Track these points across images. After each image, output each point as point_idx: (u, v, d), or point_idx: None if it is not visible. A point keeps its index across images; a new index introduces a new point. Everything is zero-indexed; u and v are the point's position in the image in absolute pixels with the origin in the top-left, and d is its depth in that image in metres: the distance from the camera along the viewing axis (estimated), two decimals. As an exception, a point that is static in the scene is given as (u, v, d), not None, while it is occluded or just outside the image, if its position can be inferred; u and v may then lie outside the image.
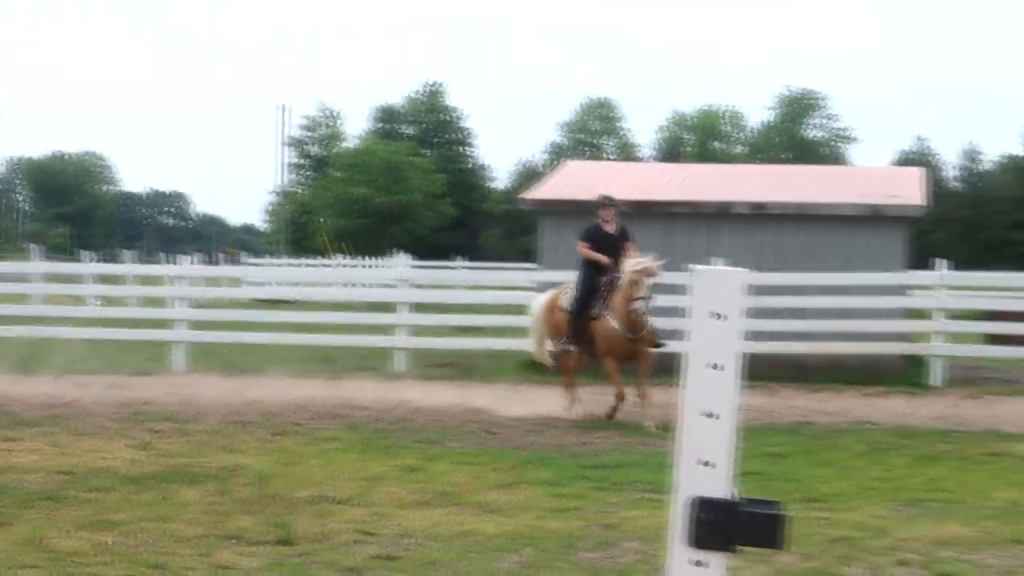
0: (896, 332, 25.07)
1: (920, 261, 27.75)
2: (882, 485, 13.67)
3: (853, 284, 24.37)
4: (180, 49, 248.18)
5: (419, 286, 30.27)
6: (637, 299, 17.92)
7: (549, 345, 20.91)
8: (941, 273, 25.02)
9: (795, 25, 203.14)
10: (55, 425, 17.08)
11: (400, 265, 29.56)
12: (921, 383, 23.84)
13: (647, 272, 17.97)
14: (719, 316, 3.03)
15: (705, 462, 3.05)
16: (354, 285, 47.76)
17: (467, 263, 64.40)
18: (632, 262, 18.29)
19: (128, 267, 47.34)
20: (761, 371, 23.79)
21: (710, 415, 3.04)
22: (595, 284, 19.18)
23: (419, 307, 27.66)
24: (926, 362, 24.57)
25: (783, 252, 25.40)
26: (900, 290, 25.28)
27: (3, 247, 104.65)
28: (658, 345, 19.14)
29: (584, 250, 19.39)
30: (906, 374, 24.66)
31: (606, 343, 18.82)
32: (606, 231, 19.58)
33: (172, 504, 12.09)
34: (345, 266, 65.55)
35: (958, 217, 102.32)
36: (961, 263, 37.65)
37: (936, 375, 23.97)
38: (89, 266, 49.67)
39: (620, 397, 18.64)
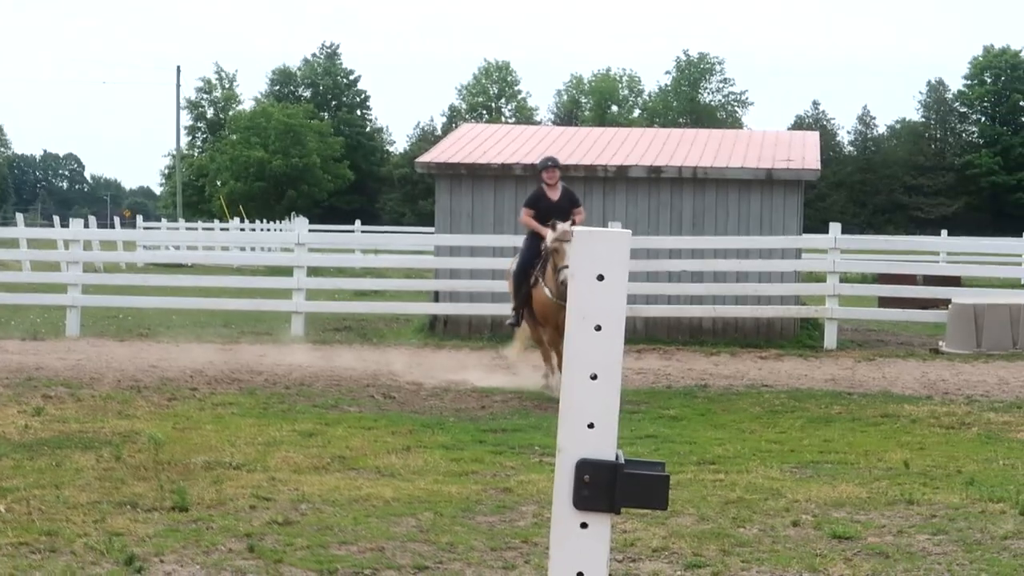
0: (791, 295, 25.29)
1: (815, 225, 27.99)
2: (776, 447, 13.78)
3: (748, 247, 24.58)
4: (73, 5, 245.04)
5: (316, 250, 30.20)
6: (562, 267, 16.64)
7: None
8: (834, 236, 25.22)
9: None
10: (-55, 391, 16.89)
11: (297, 229, 29.44)
12: (815, 346, 24.11)
13: (566, 238, 16.52)
14: (601, 277, 3.04)
15: (589, 424, 3.06)
16: (251, 249, 47.57)
17: (365, 228, 64.13)
18: (552, 233, 17.23)
19: (20, 230, 46.75)
20: (658, 334, 24.09)
21: (594, 377, 3.05)
22: (535, 252, 18.40)
23: (316, 271, 27.55)
24: (820, 325, 24.81)
25: (679, 216, 25.56)
26: (794, 253, 25.51)
27: None
28: None
29: (525, 219, 18.54)
30: (800, 337, 24.93)
31: (541, 310, 17.97)
32: (549, 197, 18.53)
33: (65, 470, 11.98)
34: (242, 230, 65.26)
35: (852, 181, 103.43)
36: (855, 227, 38.07)
37: (830, 338, 24.20)
38: (-20, 230, 49.08)
39: (546, 358, 18.30)
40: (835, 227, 25.64)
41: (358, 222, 66.45)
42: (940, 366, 21.37)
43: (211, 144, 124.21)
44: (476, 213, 25.64)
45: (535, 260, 18.35)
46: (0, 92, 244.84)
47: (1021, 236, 39.62)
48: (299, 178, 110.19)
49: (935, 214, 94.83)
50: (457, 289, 25.44)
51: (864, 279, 28.43)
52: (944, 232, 52.68)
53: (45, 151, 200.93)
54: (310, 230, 42.50)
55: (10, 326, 24.58)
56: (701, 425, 15.22)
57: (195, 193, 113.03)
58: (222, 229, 65.34)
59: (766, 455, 13.25)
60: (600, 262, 3.04)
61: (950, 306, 24.09)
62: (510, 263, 19.94)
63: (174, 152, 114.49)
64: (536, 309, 18.14)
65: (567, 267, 15.60)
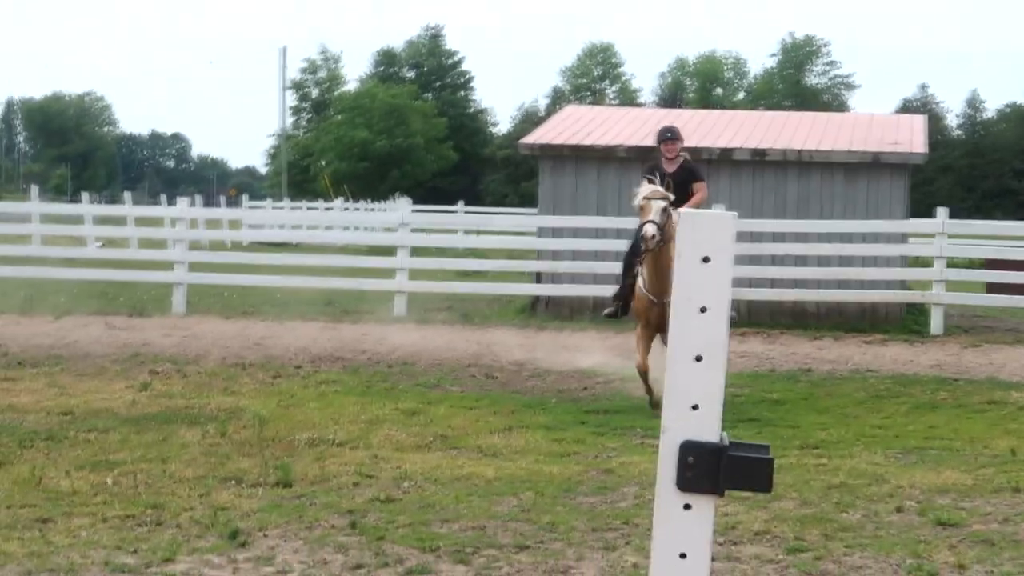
0: (896, 280, 25.09)
1: (921, 209, 27.70)
2: (880, 432, 13.68)
3: (854, 231, 24.37)
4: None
5: (419, 230, 30.33)
6: (645, 223, 14.49)
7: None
8: (942, 221, 24.93)
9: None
10: (55, 366, 17.13)
11: (401, 209, 29.57)
12: (921, 331, 23.86)
13: (655, 196, 14.72)
14: (707, 259, 3.04)
15: (694, 406, 3.06)
16: (355, 229, 47.82)
17: (468, 208, 64.23)
18: (640, 190, 15.00)
19: (128, 208, 47.20)
20: (762, 318, 23.94)
21: (699, 358, 3.06)
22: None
23: (419, 252, 27.67)
24: (926, 310, 24.59)
25: (784, 199, 25.40)
26: (901, 238, 25.31)
27: (3, 188, 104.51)
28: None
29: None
30: (906, 322, 24.70)
31: (636, 305, 15.49)
32: (666, 170, 15.87)
33: (171, 445, 12.13)
34: (346, 209, 65.55)
35: (960, 165, 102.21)
36: (962, 211, 37.70)
37: (936, 323, 23.95)
38: (89, 207, 49.67)
39: (642, 373, 15.01)
40: (942, 212, 25.34)
41: (461, 203, 66.58)
42: (1049, 353, 21.08)
43: (316, 124, 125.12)
44: (579, 195, 25.63)
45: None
46: (109, 72, 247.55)
47: None
48: (403, 158, 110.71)
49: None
50: (559, 270, 25.41)
51: (971, 264, 28.04)
52: (1054, 217, 51.85)
53: (153, 131, 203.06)
54: (413, 210, 42.85)
55: (118, 302, 24.88)
56: (804, 409, 15.14)
57: (299, 173, 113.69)
58: (326, 209, 65.73)
59: (870, 440, 13.16)
60: (705, 244, 3.04)
61: (1060, 292, 23.81)
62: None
63: (279, 132, 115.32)
64: (634, 304, 15.67)
65: (651, 222, 14.53)
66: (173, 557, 8.58)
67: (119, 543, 8.85)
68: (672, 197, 14.90)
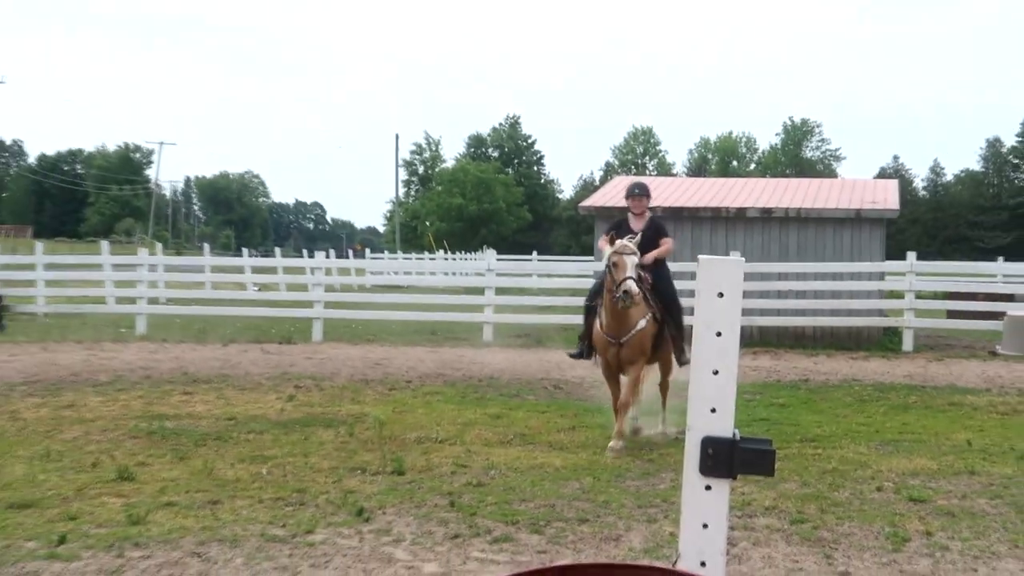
0: (876, 309, 24.91)
1: (895, 253, 27.48)
2: (864, 428, 13.57)
3: (841, 271, 24.28)
4: (319, 93, 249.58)
5: (502, 274, 30.34)
6: (624, 279, 11.97)
7: None
8: (911, 262, 24.81)
9: (797, 67, 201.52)
10: (222, 382, 17.25)
11: (488, 258, 29.60)
12: (895, 349, 23.69)
13: (626, 251, 12.18)
14: (721, 295, 3.04)
15: (712, 409, 3.06)
16: (452, 274, 48.00)
17: (540, 257, 64.28)
18: (610, 247, 12.42)
19: (278, 260, 47.63)
20: (769, 340, 23.80)
21: (715, 372, 3.06)
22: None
23: (502, 291, 27.64)
24: (899, 332, 24.40)
25: (786, 246, 25.28)
26: (878, 276, 25.08)
27: (183, 245, 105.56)
28: (683, 361, 13.10)
29: (601, 244, 12.89)
30: (883, 342, 24.50)
31: (596, 343, 12.93)
32: (631, 225, 13.35)
33: (311, 443, 12.19)
34: (445, 259, 65.85)
35: (925, 218, 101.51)
36: (927, 254, 37.39)
37: (907, 342, 23.79)
38: (248, 260, 50.18)
39: (616, 410, 12.77)
40: (911, 255, 25.23)
41: (535, 253, 66.88)
42: (997, 365, 20.89)
43: (422, 193, 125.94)
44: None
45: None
46: (263, 155, 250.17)
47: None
48: (489, 219, 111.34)
49: (993, 244, 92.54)
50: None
51: (935, 296, 27.81)
52: (1000, 258, 51.41)
53: (296, 200, 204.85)
54: (497, 259, 42.75)
55: (271, 333, 25.06)
56: (803, 411, 15.02)
57: (409, 231, 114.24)
58: (430, 259, 66.10)
59: (856, 434, 13.06)
60: (720, 282, 3.04)
61: (1005, 317, 23.60)
62: None
63: (394, 200, 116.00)
64: (595, 343, 13.00)
65: (629, 278, 12.01)
66: (313, 529, 8.63)
67: (272, 519, 8.91)
68: (639, 254, 12.41)
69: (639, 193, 13.77)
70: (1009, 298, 27.35)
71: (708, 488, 3.07)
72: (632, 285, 12.05)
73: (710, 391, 3.07)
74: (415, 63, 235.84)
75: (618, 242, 12.39)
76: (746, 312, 23.50)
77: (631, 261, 12.17)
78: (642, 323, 12.57)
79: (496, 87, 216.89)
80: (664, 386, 13.55)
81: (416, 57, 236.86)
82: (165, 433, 12.64)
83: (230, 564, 7.70)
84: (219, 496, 9.65)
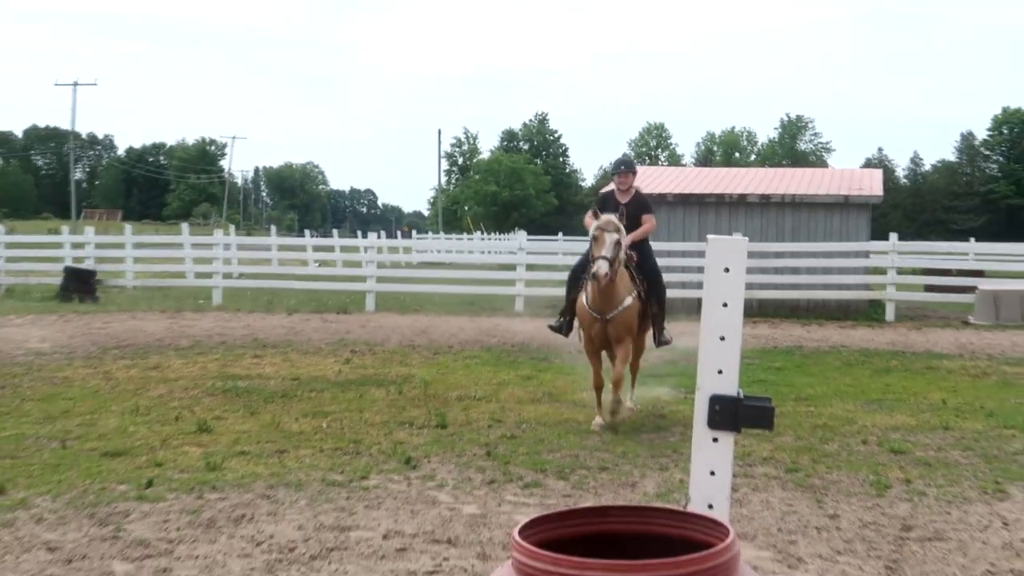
0: (862, 284, 24.79)
1: (878, 234, 27.31)
2: (851, 389, 13.50)
3: (831, 251, 24.18)
4: (372, 93, 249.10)
5: (532, 252, 30.33)
6: (597, 258, 10.44)
7: None
8: (893, 243, 24.66)
9: (793, 69, 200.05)
10: (287, 347, 17.33)
11: (519, 239, 29.58)
12: (879, 319, 23.55)
13: (608, 227, 10.58)
14: (727, 270, 3.03)
15: (719, 370, 3.06)
16: (487, 252, 47.97)
17: (565, 237, 64.22)
18: (595, 221, 10.81)
19: (335, 240, 47.74)
20: (767, 311, 23.68)
21: (722, 338, 3.05)
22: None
23: (531, 267, 27.63)
24: (883, 304, 24.25)
25: (782, 228, 25.15)
26: (864, 254, 24.94)
27: (253, 227, 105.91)
28: (661, 341, 11.90)
29: (587, 220, 11.16)
30: (868, 313, 24.36)
31: (580, 319, 11.36)
32: (617, 200, 11.71)
33: (365, 400, 12.23)
34: (481, 239, 65.84)
35: (905, 203, 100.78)
36: (907, 235, 37.11)
37: (889, 313, 23.65)
38: (309, 240, 50.31)
39: (596, 388, 11.19)
40: (893, 236, 25.07)
41: (560, 234, 66.67)
42: (968, 334, 20.75)
43: (461, 182, 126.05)
44: (641, 227, 25.47)
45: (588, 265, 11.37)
46: (322, 147, 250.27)
47: (1028, 241, 38.00)
48: (520, 204, 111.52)
49: (965, 226, 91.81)
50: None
51: (914, 272, 27.60)
52: (972, 239, 50.98)
53: (351, 187, 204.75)
54: (527, 239, 42.83)
55: (329, 304, 25.13)
56: (797, 373, 14.97)
57: (450, 215, 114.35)
58: (468, 239, 66.06)
59: (844, 394, 13.01)
60: (726, 259, 3.03)
61: (976, 291, 23.48)
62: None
63: (436, 187, 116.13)
64: (578, 318, 11.47)
65: (603, 258, 10.46)
66: (367, 476, 8.67)
67: (331, 466, 8.95)
68: (624, 231, 10.80)
69: (625, 169, 12.17)
70: (979, 274, 27.27)
71: (715, 440, 3.07)
72: (602, 267, 10.44)
73: (717, 355, 3.06)
74: (455, 67, 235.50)
75: (603, 217, 10.72)
76: (747, 286, 23.40)
77: (610, 239, 10.56)
78: (629, 300, 11.02)
79: (527, 87, 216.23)
80: (635, 367, 11.99)
81: (456, 61, 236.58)
82: (238, 391, 12.72)
83: (295, 505, 7.75)
84: (285, 446, 9.71)
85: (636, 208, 11.72)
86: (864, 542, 6.95)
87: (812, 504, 7.89)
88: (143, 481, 8.30)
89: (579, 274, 11.56)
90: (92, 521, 7.29)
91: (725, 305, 3.04)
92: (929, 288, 25.86)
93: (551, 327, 12.30)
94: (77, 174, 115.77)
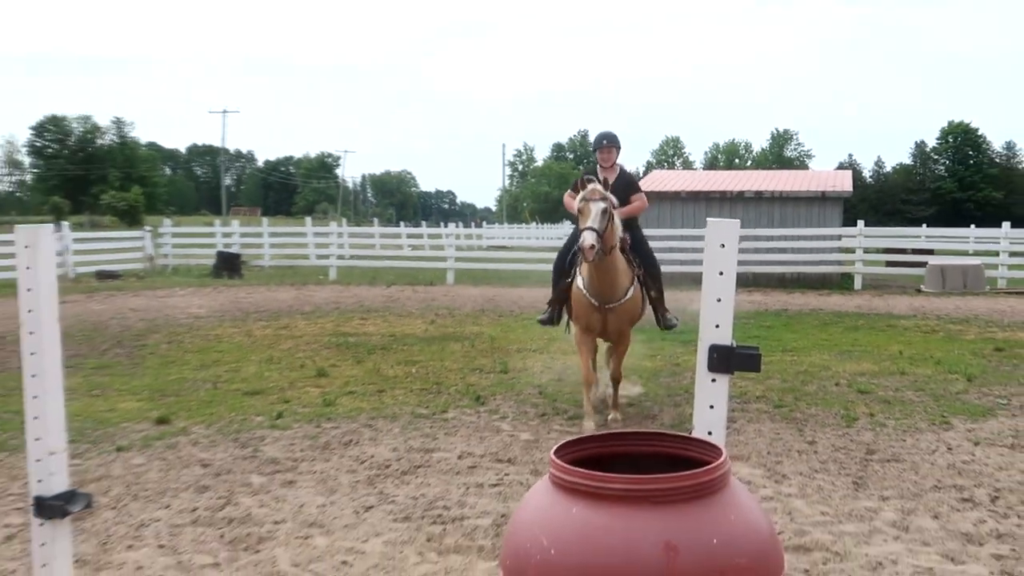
0: (835, 260, 24.36)
1: (849, 222, 26.82)
2: (827, 342, 13.26)
3: (811, 234, 23.79)
4: (456, 114, 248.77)
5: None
6: (583, 230, 7.46)
7: None
8: (860, 228, 24.24)
9: (781, 90, 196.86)
10: (386, 311, 17.39)
11: (566, 228, 29.49)
12: (849, 288, 23.15)
13: (594, 196, 7.57)
14: (722, 245, 2.94)
15: (716, 325, 2.98)
16: (542, 239, 47.79)
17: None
18: (580, 192, 7.75)
19: (423, 230, 47.85)
20: (761, 283, 23.32)
21: (718, 300, 2.97)
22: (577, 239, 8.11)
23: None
24: (852, 276, 23.84)
25: (773, 218, 24.77)
26: (837, 237, 24.51)
27: (360, 220, 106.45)
28: (668, 326, 9.00)
29: (566, 199, 8.20)
30: (841, 283, 23.95)
31: (575, 309, 8.31)
32: (603, 177, 8.41)
33: (445, 352, 12.23)
34: (536, 228, 65.64)
35: (871, 197, 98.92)
36: (872, 222, 36.45)
37: (857, 283, 23.25)
38: (403, 229, 50.43)
39: (586, 384, 8.32)
40: (860, 223, 24.66)
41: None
42: (921, 299, 20.32)
43: (521, 184, 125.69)
44: (660, 217, 25.22)
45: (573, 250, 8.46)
46: (415, 155, 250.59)
47: (968, 227, 37.13)
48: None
49: (918, 215, 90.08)
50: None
51: (878, 251, 27.09)
52: (924, 225, 50.02)
53: (436, 188, 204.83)
54: (571, 227, 42.48)
55: (418, 279, 25.19)
56: (784, 331, 14.72)
57: (512, 210, 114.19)
58: (526, 228, 65.93)
59: (821, 347, 12.78)
60: (722, 237, 2.95)
61: (927, 265, 23.02)
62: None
63: (502, 188, 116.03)
64: (572, 307, 8.38)
65: (590, 228, 7.36)
66: (446, 410, 8.66)
67: (418, 403, 8.96)
68: (614, 200, 7.76)
69: (607, 144, 8.73)
70: (930, 252, 26.72)
71: (713, 380, 3.00)
72: (587, 238, 7.27)
73: (715, 313, 2.98)
74: (516, 91, 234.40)
75: (589, 186, 7.58)
76: (744, 263, 23.15)
77: (597, 208, 7.43)
78: (631, 290, 8.00)
79: (572, 107, 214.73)
80: (619, 373, 8.54)
81: (517, 87, 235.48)
82: (348, 345, 12.77)
83: (390, 432, 7.76)
84: (384, 387, 9.73)
85: (623, 186, 8.44)
86: (836, 463, 6.82)
87: (795, 433, 7.76)
88: (274, 414, 8.37)
89: (565, 258, 8.64)
90: (235, 444, 7.36)
91: (721, 274, 2.96)
92: (889, 264, 25.44)
93: (540, 321, 8.98)
94: (227, 181, 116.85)
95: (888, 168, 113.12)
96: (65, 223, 29.50)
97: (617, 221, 7.78)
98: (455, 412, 8.59)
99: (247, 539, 5.17)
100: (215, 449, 7.20)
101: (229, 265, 26.17)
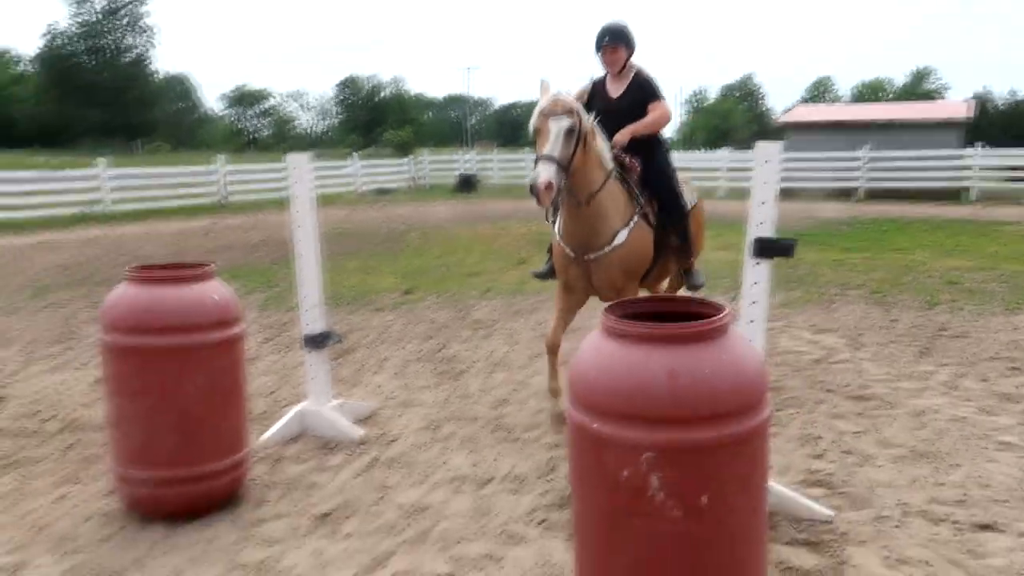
0: (953, 176, 21.93)
1: (970, 145, 23.97)
2: (931, 243, 12.16)
3: (932, 155, 21.49)
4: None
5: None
6: (538, 159, 3.39)
7: None
8: (976, 150, 21.67)
9: (771, 79, 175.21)
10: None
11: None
12: (965, 200, 20.95)
13: (555, 109, 3.47)
14: (767, 161, 2.92)
15: (760, 223, 2.99)
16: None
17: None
18: (539, 104, 3.54)
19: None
20: (886, 195, 21.47)
21: (762, 203, 2.97)
22: None
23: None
24: (969, 190, 21.51)
25: (901, 142, 22.59)
26: (957, 156, 22.01)
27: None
28: (691, 285, 4.63)
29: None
30: (958, 196, 21.68)
31: (555, 257, 4.27)
32: (607, 92, 4.23)
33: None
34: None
35: (1002, 123, 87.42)
36: (1002, 145, 32.30)
37: (973, 195, 20.99)
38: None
39: (549, 351, 4.28)
40: (978, 144, 22.03)
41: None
42: (1029, 208, 18.16)
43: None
44: (801, 145, 23.50)
45: None
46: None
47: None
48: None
49: None
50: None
51: (997, 168, 24.14)
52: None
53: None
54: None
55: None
56: (897, 234, 13.56)
57: (688, 139, 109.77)
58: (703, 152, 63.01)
59: (925, 247, 11.81)
60: (766, 154, 2.93)
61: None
62: None
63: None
64: (553, 256, 4.37)
65: (546, 158, 3.49)
66: (488, 292, 8.69)
67: (469, 288, 9.10)
68: (583, 113, 3.77)
69: (610, 41, 4.35)
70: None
71: (757, 263, 3.03)
72: (540, 173, 3.55)
73: (759, 213, 2.99)
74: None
75: (550, 94, 3.75)
76: (873, 179, 21.37)
77: (557, 128, 3.68)
78: (623, 234, 4.10)
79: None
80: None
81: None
82: (543, 241, 12.94)
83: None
84: (412, 285, 9.65)
85: (636, 95, 4.47)
86: (909, 336, 6.48)
87: (882, 313, 7.38)
88: (485, 289, 8.82)
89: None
90: (455, 309, 7.87)
91: (765, 183, 2.95)
92: (1010, 180, 22.67)
93: (535, 274, 5.02)
94: (471, 120, 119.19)
95: (1022, 96, 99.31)
96: (355, 154, 31.35)
97: (600, 146, 4.05)
98: (492, 296, 8.37)
99: (451, 371, 5.67)
100: (441, 311, 7.73)
101: (467, 184, 27.05)
